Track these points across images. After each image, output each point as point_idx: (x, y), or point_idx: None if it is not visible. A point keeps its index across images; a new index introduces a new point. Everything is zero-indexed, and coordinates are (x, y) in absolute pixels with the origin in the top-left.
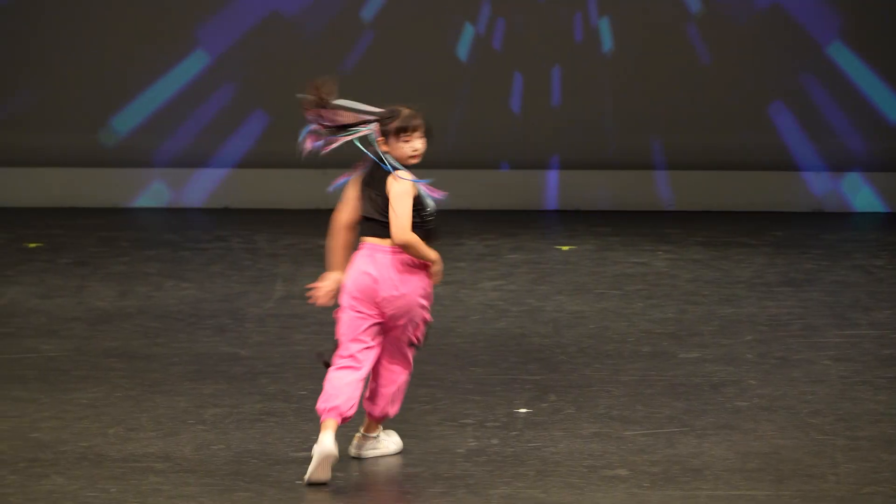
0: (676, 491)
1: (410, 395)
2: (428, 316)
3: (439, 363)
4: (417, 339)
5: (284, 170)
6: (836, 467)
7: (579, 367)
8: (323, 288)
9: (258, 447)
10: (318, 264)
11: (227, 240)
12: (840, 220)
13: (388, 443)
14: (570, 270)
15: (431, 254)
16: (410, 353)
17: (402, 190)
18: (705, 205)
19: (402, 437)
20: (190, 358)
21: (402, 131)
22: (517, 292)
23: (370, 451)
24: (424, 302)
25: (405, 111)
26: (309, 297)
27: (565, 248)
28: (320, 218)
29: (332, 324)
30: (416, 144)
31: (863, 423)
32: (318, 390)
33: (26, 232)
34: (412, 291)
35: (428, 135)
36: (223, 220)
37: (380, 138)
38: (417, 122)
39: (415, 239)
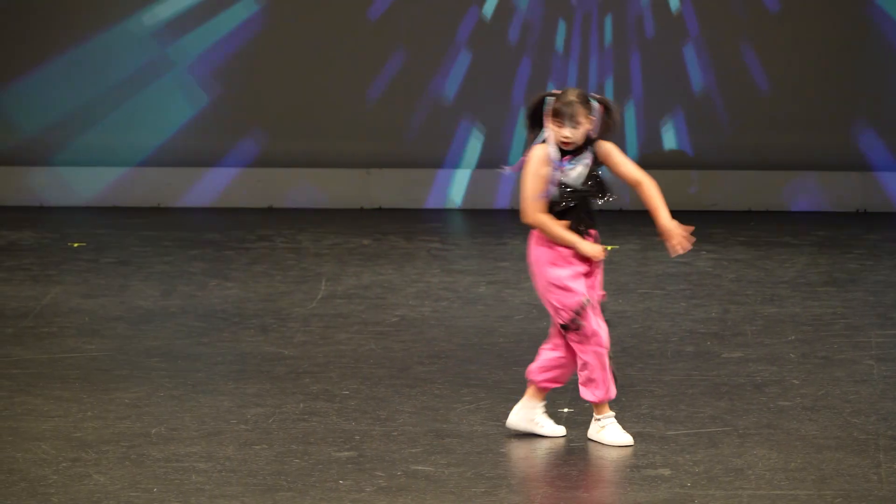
0: (718, 490)
1: (453, 394)
2: (560, 300)
3: (482, 363)
4: (563, 322)
5: (330, 169)
6: (878, 467)
7: (622, 366)
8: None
9: (300, 447)
10: (362, 263)
11: (271, 239)
12: (883, 220)
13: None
14: (613, 270)
15: (565, 235)
16: (569, 337)
17: (525, 169)
18: (748, 204)
19: (444, 437)
20: (233, 357)
21: (556, 115)
22: None
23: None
24: (550, 285)
25: (567, 94)
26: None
27: (609, 247)
28: (364, 218)
29: (375, 324)
30: (565, 132)
31: None
32: (360, 390)
33: (71, 231)
34: (538, 273)
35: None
36: (267, 219)
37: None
38: (570, 109)
39: (538, 220)
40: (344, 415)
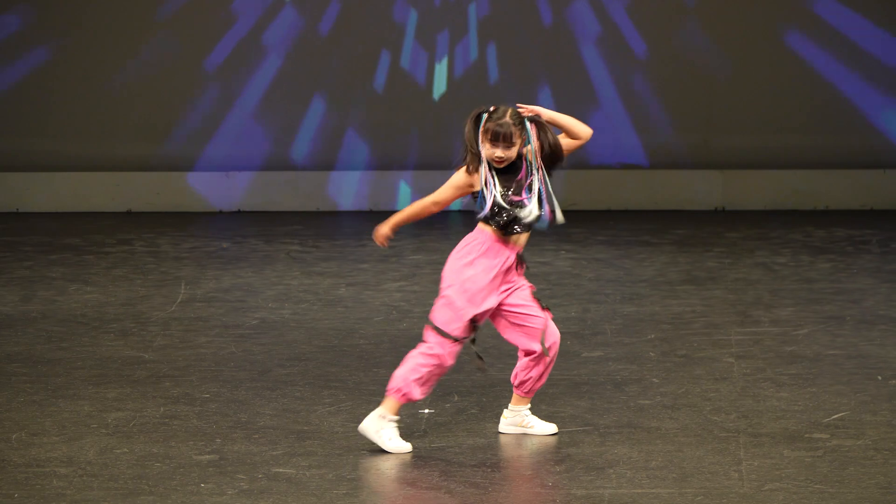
0: (580, 490)
1: (313, 396)
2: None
3: (343, 364)
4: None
5: (192, 173)
6: (738, 464)
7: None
8: None
9: (161, 450)
10: (221, 267)
11: (131, 243)
12: (742, 218)
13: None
14: None
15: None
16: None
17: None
18: (607, 203)
19: (305, 439)
20: (93, 362)
21: (489, 136)
22: (420, 293)
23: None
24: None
25: (501, 115)
26: None
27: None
28: (223, 221)
29: (235, 327)
30: (497, 153)
31: (765, 420)
32: (221, 393)
33: None
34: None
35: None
36: (126, 223)
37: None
38: (504, 129)
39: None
40: (205, 418)
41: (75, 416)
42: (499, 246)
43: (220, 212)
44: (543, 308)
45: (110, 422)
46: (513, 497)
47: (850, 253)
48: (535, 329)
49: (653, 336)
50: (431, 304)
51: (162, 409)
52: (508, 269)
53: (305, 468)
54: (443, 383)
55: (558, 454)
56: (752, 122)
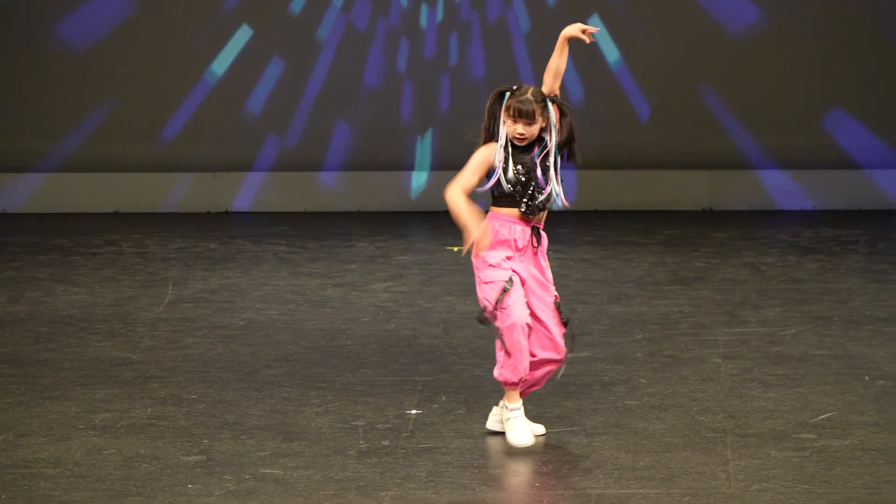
0: (567, 490)
1: (301, 397)
2: (481, 292)
3: (330, 365)
4: (484, 314)
5: (180, 174)
6: (725, 465)
7: (470, 367)
8: None
9: (149, 451)
10: (209, 267)
11: (118, 244)
12: (729, 219)
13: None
14: (459, 271)
15: (467, 223)
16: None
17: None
18: (594, 204)
19: (293, 439)
20: (81, 363)
21: (511, 112)
22: (408, 294)
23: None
24: (479, 275)
25: (524, 92)
26: None
27: (455, 249)
28: (210, 221)
29: (222, 328)
30: (519, 129)
31: (752, 420)
32: (208, 394)
33: None
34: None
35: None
36: (114, 224)
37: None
38: (527, 106)
39: (451, 198)
40: (192, 419)
41: (63, 416)
42: (511, 224)
43: (208, 212)
44: (563, 322)
45: (98, 422)
46: (500, 498)
47: (838, 253)
48: (548, 340)
49: (640, 336)
50: (419, 304)
51: (149, 409)
52: (524, 247)
53: (293, 469)
54: (430, 384)
55: (545, 455)
56: (739, 122)
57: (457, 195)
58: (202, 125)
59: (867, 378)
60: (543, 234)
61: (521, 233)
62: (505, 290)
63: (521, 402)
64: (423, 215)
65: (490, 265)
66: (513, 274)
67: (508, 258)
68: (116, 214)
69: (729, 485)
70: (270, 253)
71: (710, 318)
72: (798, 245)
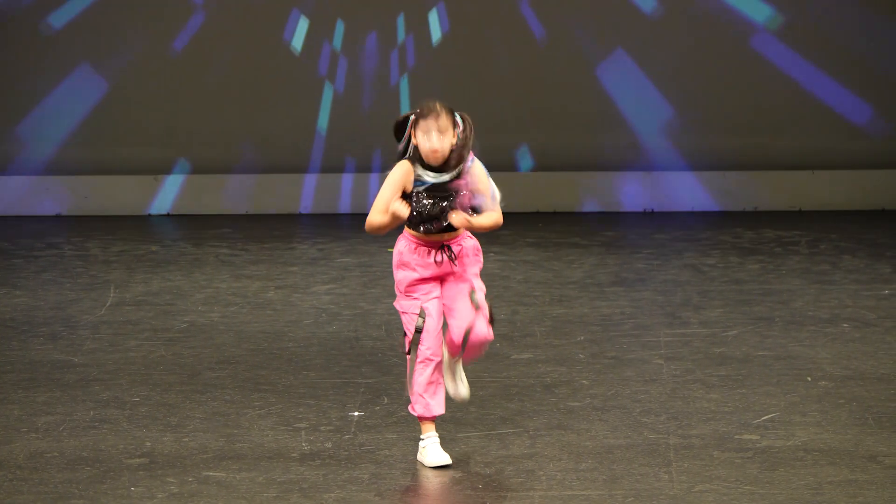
0: (510, 492)
1: (243, 399)
2: (400, 317)
3: (272, 367)
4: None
5: (116, 176)
6: (668, 466)
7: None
8: None
9: (92, 454)
10: (150, 270)
11: (60, 247)
12: (670, 220)
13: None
14: None
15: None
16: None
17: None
18: (535, 205)
19: (235, 442)
20: (23, 366)
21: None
22: (349, 296)
23: None
24: (397, 301)
25: (432, 104)
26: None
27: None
28: (152, 224)
29: (164, 330)
30: (433, 141)
31: (694, 421)
32: (150, 396)
33: None
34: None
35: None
36: (55, 227)
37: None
38: (436, 117)
39: (373, 224)
40: (135, 421)
41: (4, 419)
42: (421, 248)
43: (150, 215)
44: (476, 307)
45: (40, 425)
46: (443, 499)
47: (779, 254)
48: (455, 324)
49: (582, 338)
50: (361, 307)
51: (92, 412)
52: (430, 265)
53: (236, 471)
54: (372, 386)
55: (488, 456)
56: (679, 124)
57: (373, 219)
58: (143, 128)
59: (809, 379)
60: (464, 245)
61: (427, 253)
62: (418, 330)
63: (433, 431)
64: (365, 217)
65: (402, 293)
66: (423, 306)
67: (419, 280)
68: (58, 217)
69: (672, 486)
70: (212, 255)
71: (652, 319)
72: (740, 246)
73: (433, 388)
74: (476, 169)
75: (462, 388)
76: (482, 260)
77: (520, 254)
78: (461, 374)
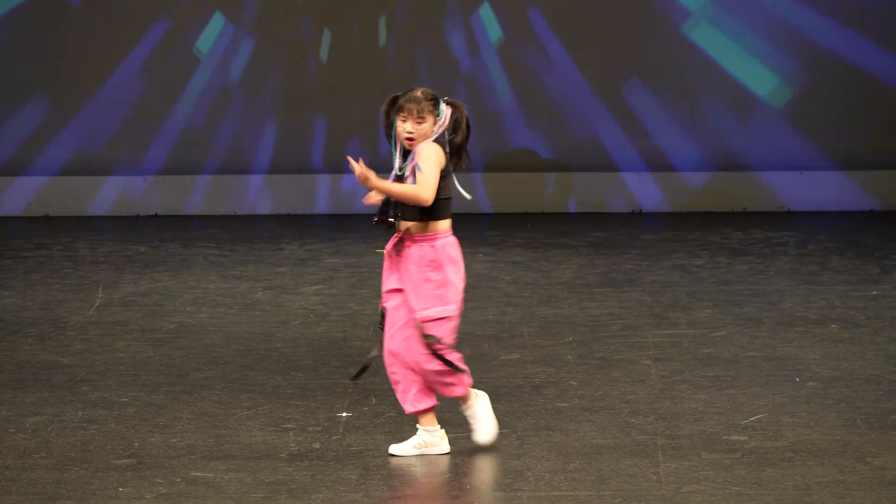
0: (498, 493)
1: (232, 400)
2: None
3: (261, 368)
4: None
5: (104, 177)
6: (656, 466)
7: None
8: None
9: (80, 455)
10: (139, 271)
11: (48, 248)
12: (659, 221)
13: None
14: None
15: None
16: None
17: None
18: (524, 206)
19: (224, 442)
20: (11, 366)
21: (400, 110)
22: (338, 296)
23: None
24: None
25: (413, 91)
26: None
27: (379, 250)
28: (140, 225)
29: (153, 331)
30: (407, 127)
31: (683, 422)
32: (139, 397)
33: None
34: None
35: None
36: (43, 228)
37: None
38: (414, 105)
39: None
40: (123, 422)
41: None
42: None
43: (138, 216)
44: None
45: (28, 426)
46: (430, 500)
47: (768, 255)
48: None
49: (570, 339)
50: (349, 307)
51: (80, 413)
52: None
53: (224, 472)
54: (360, 386)
55: (476, 457)
56: (667, 123)
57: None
58: (131, 128)
59: (798, 379)
60: (414, 244)
61: (391, 244)
62: (380, 326)
63: (435, 424)
64: (354, 217)
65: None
66: (383, 305)
67: (387, 270)
68: (47, 218)
69: (660, 487)
70: (200, 256)
71: (641, 320)
72: (728, 247)
73: (398, 386)
74: (424, 148)
75: (481, 434)
76: (433, 277)
77: (508, 254)
78: (482, 417)
